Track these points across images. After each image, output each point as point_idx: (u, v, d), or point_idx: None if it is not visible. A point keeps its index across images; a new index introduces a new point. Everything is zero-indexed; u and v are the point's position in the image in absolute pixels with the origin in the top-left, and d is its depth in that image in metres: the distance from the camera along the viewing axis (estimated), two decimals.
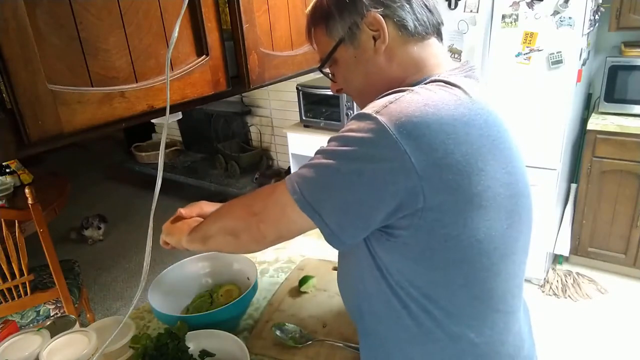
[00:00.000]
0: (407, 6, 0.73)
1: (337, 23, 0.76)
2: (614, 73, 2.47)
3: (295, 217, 0.70)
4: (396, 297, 0.74)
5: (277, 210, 0.74)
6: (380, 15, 0.72)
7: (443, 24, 0.80)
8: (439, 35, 0.79)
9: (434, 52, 0.77)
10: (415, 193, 0.63)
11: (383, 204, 0.65)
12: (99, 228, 3.69)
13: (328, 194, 0.67)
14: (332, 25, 0.76)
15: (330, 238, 0.69)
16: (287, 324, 1.02)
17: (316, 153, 0.71)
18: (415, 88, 0.68)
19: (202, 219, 0.96)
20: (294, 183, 0.70)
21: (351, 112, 2.90)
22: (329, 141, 0.70)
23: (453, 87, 0.68)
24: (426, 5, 0.75)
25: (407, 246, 0.69)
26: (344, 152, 0.65)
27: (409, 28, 0.74)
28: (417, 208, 0.64)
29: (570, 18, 2.14)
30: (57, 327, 1.02)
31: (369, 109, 0.65)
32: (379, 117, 0.63)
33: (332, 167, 0.66)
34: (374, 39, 0.74)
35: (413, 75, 0.76)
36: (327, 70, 0.83)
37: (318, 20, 0.79)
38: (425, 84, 0.71)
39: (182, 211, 0.98)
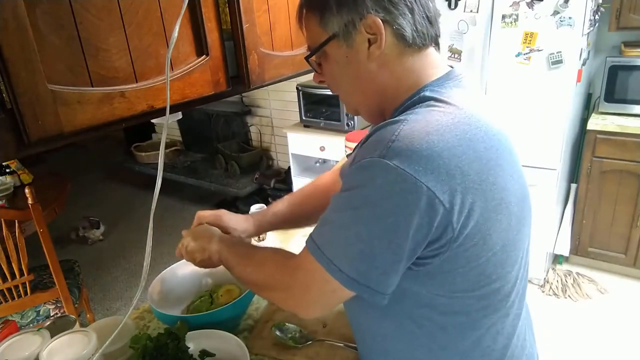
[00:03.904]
0: (409, 15, 0.69)
1: (333, 17, 0.70)
2: (614, 73, 2.47)
3: (340, 295, 0.68)
4: (410, 319, 0.73)
5: (322, 296, 0.71)
6: (380, 20, 0.68)
7: (440, 36, 0.76)
8: (436, 44, 0.76)
9: (429, 61, 0.74)
10: (445, 226, 0.62)
11: (420, 246, 0.64)
12: (85, 232, 3.68)
13: (370, 263, 0.64)
14: (327, 18, 0.71)
15: (376, 298, 0.66)
16: (287, 324, 1.02)
17: (329, 219, 0.68)
18: (407, 117, 0.65)
19: (229, 235, 0.99)
20: (330, 263, 0.66)
21: None
22: (343, 198, 0.66)
23: (445, 105, 0.66)
24: (428, 17, 0.71)
25: (429, 274, 0.68)
26: (371, 213, 0.62)
27: (407, 38, 0.70)
28: (448, 239, 0.63)
29: (570, 18, 2.14)
30: (57, 327, 1.02)
31: (374, 154, 0.62)
32: (389, 162, 0.60)
33: (364, 235, 0.63)
34: (369, 42, 0.70)
35: (407, 87, 0.72)
36: (313, 60, 0.78)
37: (313, 6, 0.74)
38: (414, 105, 0.68)
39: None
